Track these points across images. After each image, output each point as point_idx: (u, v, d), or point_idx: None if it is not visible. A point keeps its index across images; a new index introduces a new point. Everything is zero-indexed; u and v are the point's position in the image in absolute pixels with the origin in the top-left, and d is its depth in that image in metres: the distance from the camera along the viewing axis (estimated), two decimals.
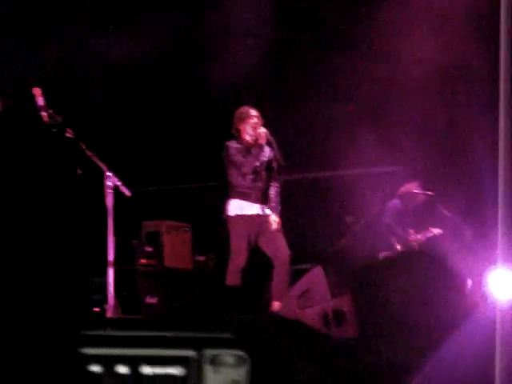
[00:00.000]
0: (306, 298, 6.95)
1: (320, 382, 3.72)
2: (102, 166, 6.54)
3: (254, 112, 6.81)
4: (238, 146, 6.76)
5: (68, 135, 6.34)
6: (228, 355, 3.25)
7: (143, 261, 8.12)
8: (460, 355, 4.89)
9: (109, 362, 3.28)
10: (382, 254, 8.11)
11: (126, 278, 7.84)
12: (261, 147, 6.72)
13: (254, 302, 6.57)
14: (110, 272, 7.38)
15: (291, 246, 6.89)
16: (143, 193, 8.76)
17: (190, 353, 3.24)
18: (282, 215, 6.85)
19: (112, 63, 8.71)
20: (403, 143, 8.24)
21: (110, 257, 6.89)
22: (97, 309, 7.08)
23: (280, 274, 6.68)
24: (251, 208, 6.74)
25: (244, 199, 6.72)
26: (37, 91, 6.27)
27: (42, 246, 6.93)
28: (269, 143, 6.73)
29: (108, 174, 6.76)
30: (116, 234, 7.86)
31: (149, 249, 8.24)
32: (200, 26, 8.75)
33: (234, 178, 6.74)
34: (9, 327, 4.84)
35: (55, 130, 6.32)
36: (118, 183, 6.82)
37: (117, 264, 7.79)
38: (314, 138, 8.73)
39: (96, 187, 7.29)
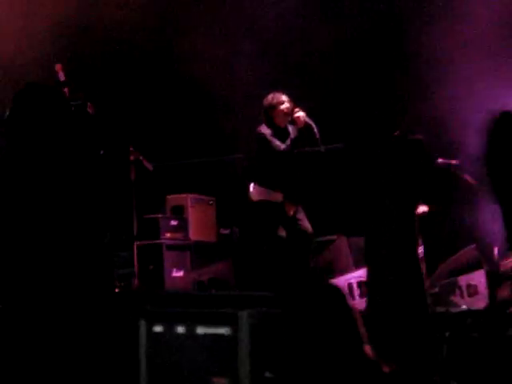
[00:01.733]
0: (330, 268, 7.00)
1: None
2: (125, 141, 6.57)
3: (284, 97, 6.77)
4: (271, 130, 6.74)
5: (89, 111, 6.36)
6: (267, 313, 3.51)
7: (168, 234, 8.16)
8: None
9: (169, 322, 3.68)
10: None
11: (152, 251, 7.90)
12: (295, 131, 6.71)
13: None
14: (135, 246, 7.45)
15: (316, 218, 6.92)
16: (168, 166, 8.81)
17: (235, 311, 3.56)
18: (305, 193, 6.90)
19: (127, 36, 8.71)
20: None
21: (135, 231, 6.96)
22: (123, 283, 7.14)
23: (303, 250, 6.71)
24: (275, 195, 6.75)
25: (268, 186, 6.73)
26: (58, 67, 6.30)
27: (67, 222, 6.99)
28: (307, 127, 6.68)
29: (131, 149, 6.79)
30: (142, 208, 7.93)
31: (174, 223, 8.28)
32: None
33: (266, 162, 6.73)
34: (36, 299, 4.92)
35: (76, 106, 6.34)
36: (141, 158, 6.85)
37: (143, 238, 7.88)
38: (327, 112, 8.69)
39: (119, 162, 7.34)
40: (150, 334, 3.78)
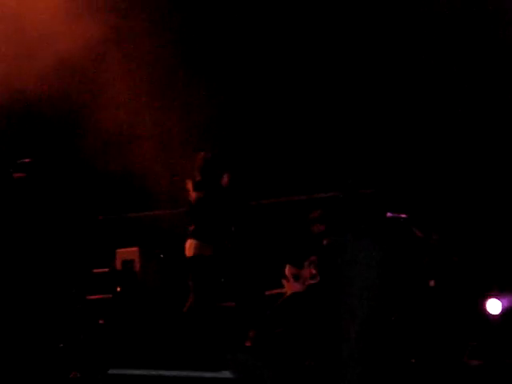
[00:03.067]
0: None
1: None
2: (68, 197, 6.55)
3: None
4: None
5: (35, 171, 6.31)
6: None
7: (119, 289, 8.13)
8: None
9: None
10: None
11: (102, 306, 7.86)
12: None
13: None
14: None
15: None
16: (117, 220, 8.79)
17: None
18: None
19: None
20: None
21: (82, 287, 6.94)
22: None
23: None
24: (206, 249, 7.03)
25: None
26: None
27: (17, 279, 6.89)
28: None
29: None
30: (92, 262, 7.89)
31: (124, 276, 8.26)
32: None
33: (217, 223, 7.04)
34: None
35: (22, 164, 6.26)
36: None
37: (93, 293, 7.84)
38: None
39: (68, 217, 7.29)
40: None
